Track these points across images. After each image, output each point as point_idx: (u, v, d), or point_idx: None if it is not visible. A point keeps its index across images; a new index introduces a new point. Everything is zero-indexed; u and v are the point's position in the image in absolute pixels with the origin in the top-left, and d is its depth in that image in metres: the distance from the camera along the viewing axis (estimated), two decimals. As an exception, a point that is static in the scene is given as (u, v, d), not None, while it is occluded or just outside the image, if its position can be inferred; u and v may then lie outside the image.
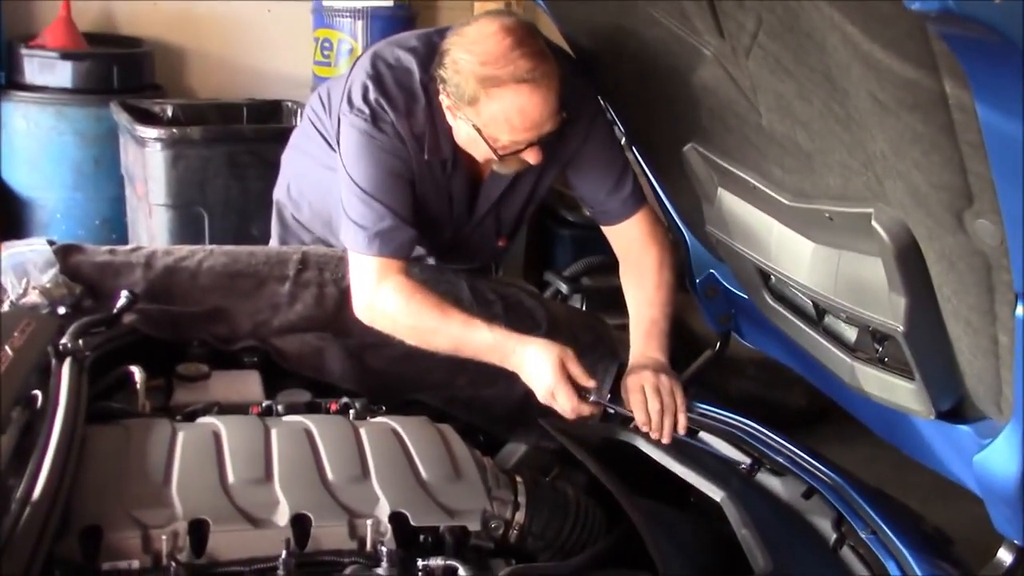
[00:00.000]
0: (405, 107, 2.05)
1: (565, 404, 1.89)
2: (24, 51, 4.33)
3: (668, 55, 1.76)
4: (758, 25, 1.39)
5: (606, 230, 2.28)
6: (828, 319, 1.82)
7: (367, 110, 2.04)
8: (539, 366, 1.91)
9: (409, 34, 2.21)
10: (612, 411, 1.98)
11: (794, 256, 1.72)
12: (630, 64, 1.97)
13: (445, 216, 2.25)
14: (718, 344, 2.40)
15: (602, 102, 2.23)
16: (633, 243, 2.24)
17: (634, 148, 2.34)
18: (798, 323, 1.90)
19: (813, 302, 1.82)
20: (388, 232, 2.04)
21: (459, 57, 1.93)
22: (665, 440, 1.93)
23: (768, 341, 2.23)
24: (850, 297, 1.62)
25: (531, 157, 2.01)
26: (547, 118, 1.94)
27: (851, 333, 1.76)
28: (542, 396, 1.92)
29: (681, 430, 1.95)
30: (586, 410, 1.91)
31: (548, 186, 2.32)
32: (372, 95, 2.05)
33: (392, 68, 2.08)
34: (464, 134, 2.02)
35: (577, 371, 1.90)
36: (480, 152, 2.04)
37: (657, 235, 2.24)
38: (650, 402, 1.95)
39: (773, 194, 1.68)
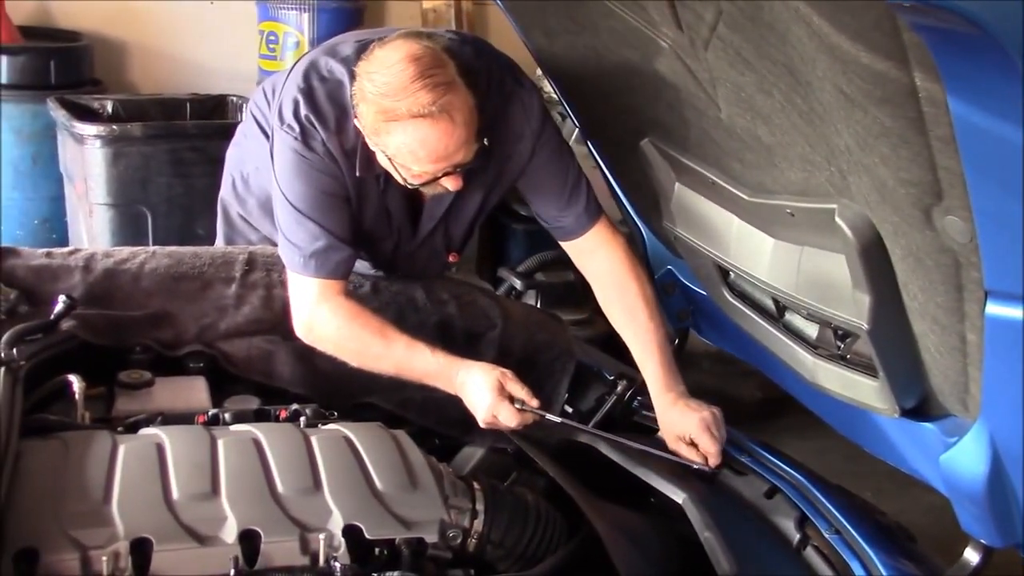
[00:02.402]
0: (336, 123, 1.97)
1: (509, 421, 1.85)
2: (-45, 45, 4.20)
3: (624, 48, 1.73)
4: (717, 17, 1.35)
5: (564, 245, 2.22)
6: (789, 316, 1.80)
7: (297, 128, 1.97)
8: (479, 390, 1.88)
9: (347, 39, 2.12)
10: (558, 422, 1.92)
11: (754, 252, 1.70)
12: (585, 58, 1.93)
13: (385, 232, 2.18)
14: (675, 340, 2.37)
15: (559, 111, 2.18)
16: (595, 257, 2.16)
17: (589, 143, 2.30)
18: (758, 320, 1.88)
19: (773, 299, 1.79)
20: (323, 252, 1.98)
21: (364, 85, 1.85)
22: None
23: (727, 338, 2.21)
24: (812, 294, 1.59)
25: (450, 184, 1.94)
26: (454, 149, 1.86)
27: (812, 330, 1.74)
28: (482, 419, 1.88)
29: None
30: (522, 419, 1.87)
31: (497, 200, 2.26)
32: (303, 111, 1.97)
33: (324, 81, 2.00)
34: (380, 160, 1.96)
35: (518, 390, 1.87)
36: (398, 179, 1.96)
37: (619, 246, 2.15)
38: (718, 441, 1.91)
39: (733, 189, 1.65)
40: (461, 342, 2.19)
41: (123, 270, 2.11)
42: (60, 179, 4.13)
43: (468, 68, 1.89)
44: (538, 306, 3.63)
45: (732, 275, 1.90)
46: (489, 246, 4.47)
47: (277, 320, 2.11)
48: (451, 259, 2.32)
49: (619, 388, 2.14)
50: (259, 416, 1.81)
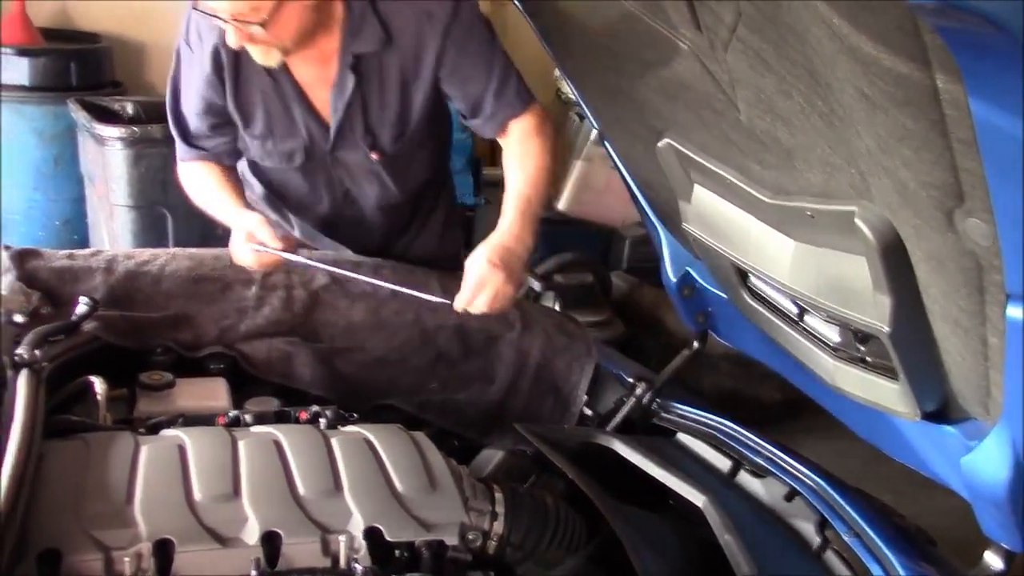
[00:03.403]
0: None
1: (250, 263, 2.10)
2: (-22, 48, 4.23)
3: (642, 49, 1.72)
4: (737, 18, 1.34)
5: (500, 140, 2.29)
6: (809, 318, 1.79)
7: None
8: (234, 237, 2.12)
9: None
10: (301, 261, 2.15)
11: (774, 254, 1.68)
12: (602, 58, 1.93)
13: (295, 131, 2.28)
14: (695, 343, 2.36)
15: (577, 112, 2.20)
16: (516, 133, 2.25)
17: (606, 143, 2.29)
18: (778, 322, 1.87)
19: (793, 301, 1.78)
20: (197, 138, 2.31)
21: None
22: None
23: (746, 339, 2.19)
24: (832, 297, 1.58)
25: (231, 40, 2.04)
26: None
27: (833, 333, 1.73)
28: (235, 261, 2.13)
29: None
30: (260, 261, 2.09)
31: (426, 98, 2.26)
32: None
33: None
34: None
35: (263, 236, 2.07)
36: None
37: (546, 129, 2.26)
38: (470, 292, 2.01)
39: (752, 191, 1.64)
40: (479, 344, 2.20)
41: (144, 272, 2.13)
42: (81, 181, 4.16)
43: None
44: (556, 308, 3.63)
45: (751, 277, 1.89)
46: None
47: (297, 322, 2.12)
48: (375, 157, 2.33)
49: (638, 390, 2.14)
50: (279, 418, 1.82)
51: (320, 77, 2.19)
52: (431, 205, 2.59)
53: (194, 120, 2.28)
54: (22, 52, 4.19)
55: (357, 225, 2.44)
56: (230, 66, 2.18)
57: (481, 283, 1.98)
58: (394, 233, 2.52)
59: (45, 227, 4.30)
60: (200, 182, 2.34)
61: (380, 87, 2.20)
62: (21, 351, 1.71)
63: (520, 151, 2.23)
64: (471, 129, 2.39)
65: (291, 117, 2.24)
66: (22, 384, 1.62)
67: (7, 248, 2.10)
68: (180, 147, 2.34)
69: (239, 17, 1.97)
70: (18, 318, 1.90)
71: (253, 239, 2.08)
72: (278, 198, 2.46)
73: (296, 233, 2.48)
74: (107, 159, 3.74)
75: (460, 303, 2.00)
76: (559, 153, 2.25)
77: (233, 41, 2.03)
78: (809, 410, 2.23)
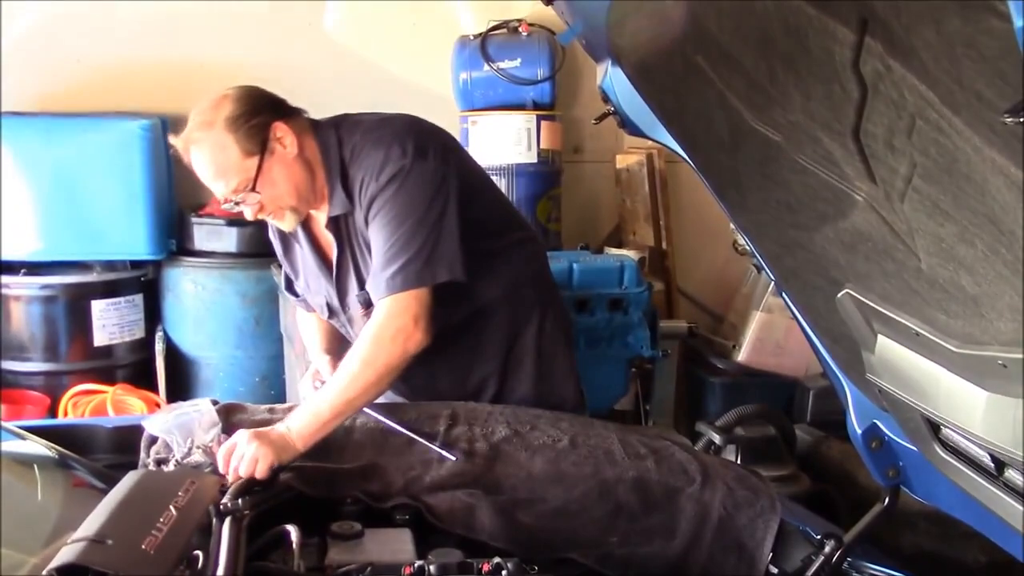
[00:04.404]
0: None
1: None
2: (194, 219, 4.63)
3: (817, 202, 1.73)
4: (912, 169, 1.35)
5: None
6: (1009, 472, 1.69)
7: None
8: (304, 375, 2.45)
9: None
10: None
11: (966, 406, 1.62)
12: (777, 211, 1.95)
13: (319, 287, 2.58)
14: (886, 499, 2.26)
15: (754, 264, 2.21)
16: (372, 326, 2.28)
17: (784, 295, 2.28)
18: (974, 477, 1.77)
19: (991, 454, 1.70)
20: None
21: None
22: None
23: (941, 495, 2.08)
24: (1032, 449, 1.50)
25: (247, 212, 2.38)
26: (212, 177, 2.34)
27: (1036, 488, 1.63)
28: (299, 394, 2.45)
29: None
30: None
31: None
32: None
33: None
34: None
35: (326, 376, 2.39)
36: None
37: (388, 320, 2.26)
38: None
39: (939, 341, 1.59)
40: (659, 497, 2.18)
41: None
42: (279, 339, 4.41)
43: (236, 120, 2.31)
44: (738, 461, 3.54)
45: (943, 430, 1.82)
46: (686, 400, 4.42)
47: (478, 473, 2.16)
48: (362, 314, 2.42)
49: (827, 548, 2.05)
50: (462, 569, 1.84)
51: (325, 241, 2.50)
52: (495, 350, 2.58)
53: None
54: (231, 223, 4.56)
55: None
56: (277, 233, 2.62)
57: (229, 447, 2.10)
58: (456, 376, 2.55)
59: (245, 383, 4.56)
60: (301, 324, 2.77)
61: (360, 247, 2.40)
62: (225, 500, 1.82)
63: (358, 344, 2.28)
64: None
65: (317, 276, 2.52)
66: (226, 531, 1.72)
67: (215, 403, 2.26)
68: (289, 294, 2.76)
69: (236, 192, 2.31)
70: (223, 468, 2.02)
71: (317, 377, 2.42)
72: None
73: None
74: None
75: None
76: (390, 366, 2.27)
77: (249, 214, 2.38)
78: (1020, 574, 2.08)
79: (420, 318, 2.25)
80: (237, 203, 2.35)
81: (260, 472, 2.02)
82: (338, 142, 2.35)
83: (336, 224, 2.39)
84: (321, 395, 2.23)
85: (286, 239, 2.63)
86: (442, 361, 2.48)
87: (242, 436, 2.08)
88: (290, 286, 2.73)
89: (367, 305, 2.40)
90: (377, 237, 2.29)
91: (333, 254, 2.46)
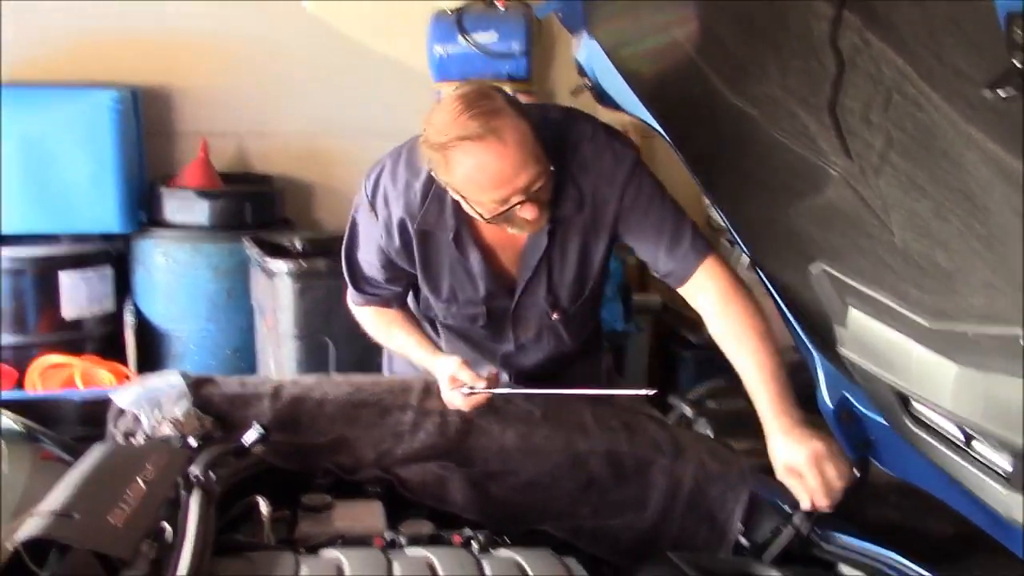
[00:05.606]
0: (403, 185, 2.23)
1: (461, 405, 2.17)
2: (164, 190, 4.58)
3: (792, 177, 1.73)
4: (888, 143, 1.35)
5: (681, 291, 2.26)
6: (977, 445, 1.71)
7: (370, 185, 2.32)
8: (440, 382, 2.20)
9: None
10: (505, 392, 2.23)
11: (937, 380, 1.63)
12: (752, 187, 1.95)
13: (468, 288, 2.33)
14: (856, 471, 2.28)
15: (727, 239, 2.22)
16: (704, 294, 2.20)
17: (757, 269, 2.29)
18: (944, 450, 1.79)
19: (959, 427, 1.71)
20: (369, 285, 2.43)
21: (427, 133, 2.02)
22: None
23: (912, 468, 2.10)
24: (1001, 423, 1.51)
25: (527, 213, 2.04)
26: (512, 172, 1.97)
27: (1003, 460, 1.64)
28: (448, 406, 2.20)
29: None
30: (470, 403, 2.16)
31: (602, 257, 2.31)
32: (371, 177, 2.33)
33: (412, 149, 2.21)
34: (465, 207, 2.11)
35: (465, 376, 2.15)
36: (478, 217, 2.10)
37: (726, 280, 2.20)
38: (822, 478, 1.96)
39: (911, 315, 1.60)
40: (631, 470, 2.18)
41: (308, 398, 2.22)
42: (251, 312, 4.38)
43: (516, 102, 2.06)
44: (710, 434, 3.56)
45: (913, 403, 1.83)
46: (659, 373, 4.44)
47: (451, 446, 2.17)
48: (555, 316, 2.36)
49: (796, 520, 2.07)
50: (433, 540, 1.85)
51: (507, 240, 2.26)
52: (596, 345, 2.67)
53: (370, 271, 2.39)
54: (203, 194, 4.51)
55: (526, 371, 2.50)
56: (419, 238, 2.25)
57: (813, 459, 1.98)
58: (558, 373, 2.55)
59: (216, 356, 4.54)
60: (380, 327, 2.46)
61: (563, 248, 2.27)
62: (195, 472, 1.80)
63: (727, 327, 2.17)
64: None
65: (474, 284, 2.32)
66: (194, 504, 1.70)
67: (184, 376, 2.23)
68: (351, 291, 2.47)
69: (537, 179, 2.01)
70: (192, 441, 2.00)
71: (457, 383, 2.15)
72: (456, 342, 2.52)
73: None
74: (276, 291, 3.95)
75: (820, 502, 1.99)
76: (756, 303, 2.19)
77: (534, 214, 2.04)
78: (986, 545, 2.11)
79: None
80: (522, 202, 2.01)
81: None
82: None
83: (553, 225, 2.21)
84: (763, 382, 2.11)
85: (431, 248, 2.28)
86: (564, 362, 2.54)
87: (810, 464, 1.98)
88: (357, 283, 2.43)
89: (554, 306, 2.35)
90: (648, 220, 2.20)
91: (537, 255, 2.26)
